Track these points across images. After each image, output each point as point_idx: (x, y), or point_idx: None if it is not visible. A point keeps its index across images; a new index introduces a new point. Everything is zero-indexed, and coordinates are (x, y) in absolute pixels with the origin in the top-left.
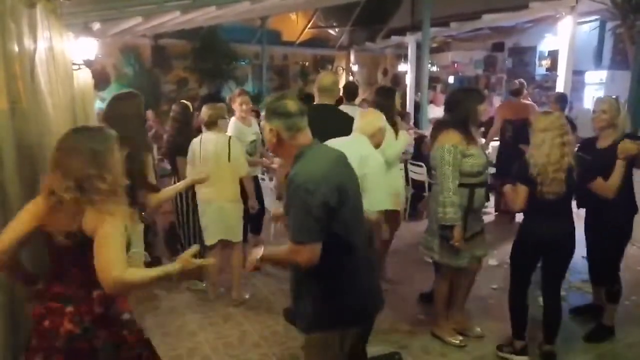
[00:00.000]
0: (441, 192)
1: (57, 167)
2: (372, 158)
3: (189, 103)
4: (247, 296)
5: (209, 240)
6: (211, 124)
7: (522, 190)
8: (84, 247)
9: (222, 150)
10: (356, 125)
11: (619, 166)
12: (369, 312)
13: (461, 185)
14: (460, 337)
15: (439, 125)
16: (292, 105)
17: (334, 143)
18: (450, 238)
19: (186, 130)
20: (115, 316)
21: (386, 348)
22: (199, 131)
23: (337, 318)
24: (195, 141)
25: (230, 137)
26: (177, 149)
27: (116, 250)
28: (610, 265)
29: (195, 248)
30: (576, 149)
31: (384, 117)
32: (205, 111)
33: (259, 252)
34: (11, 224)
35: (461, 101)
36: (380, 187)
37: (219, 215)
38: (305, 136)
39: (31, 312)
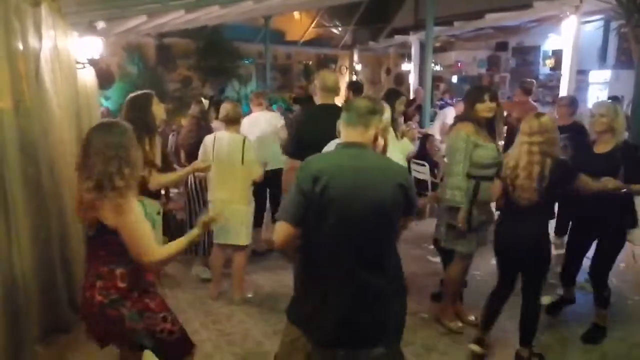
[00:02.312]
0: (451, 175)
1: (81, 168)
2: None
3: (206, 101)
4: (249, 295)
5: (217, 239)
6: (231, 121)
7: (497, 184)
8: (105, 235)
9: (236, 152)
10: None
11: (602, 186)
12: (330, 340)
13: (467, 175)
14: (460, 324)
15: (457, 120)
16: (359, 102)
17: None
18: (455, 220)
19: (205, 125)
20: (138, 288)
21: None
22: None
23: (296, 316)
24: (209, 138)
25: (245, 138)
26: (197, 142)
27: (144, 236)
28: (605, 272)
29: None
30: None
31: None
32: (227, 107)
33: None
34: None
35: (465, 98)
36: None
37: (228, 217)
38: (356, 135)
39: None
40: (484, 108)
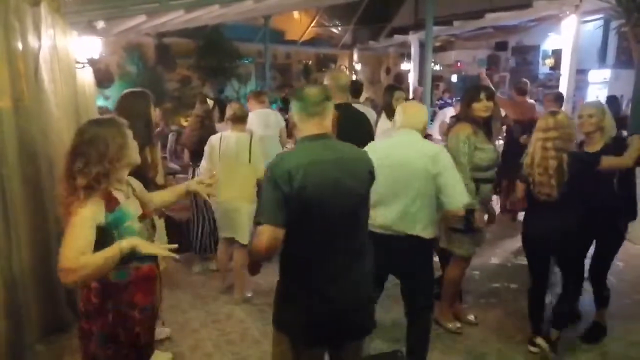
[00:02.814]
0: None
1: (80, 155)
2: (442, 154)
3: (211, 101)
4: (249, 294)
5: (222, 233)
6: (238, 120)
7: (519, 186)
8: None
9: (243, 151)
10: (403, 120)
11: (637, 149)
12: (322, 336)
13: None
14: (458, 324)
15: (455, 119)
16: (309, 90)
17: (389, 145)
18: (473, 222)
19: (209, 124)
20: (115, 309)
21: (387, 345)
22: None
23: (284, 323)
24: (215, 138)
25: (251, 137)
26: (202, 141)
27: (69, 242)
28: (604, 271)
29: (173, 246)
30: None
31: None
32: (233, 106)
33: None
34: None
35: (462, 98)
36: (458, 181)
37: (234, 214)
38: (317, 125)
39: None
40: (481, 107)
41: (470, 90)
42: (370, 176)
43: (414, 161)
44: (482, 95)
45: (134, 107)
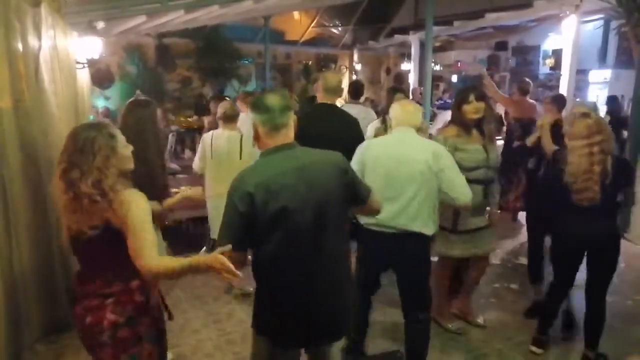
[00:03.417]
0: None
1: (75, 165)
2: (442, 150)
3: (230, 101)
4: (250, 289)
5: (213, 235)
6: (229, 119)
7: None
8: (115, 239)
9: (234, 148)
10: (399, 118)
11: None
12: (298, 339)
13: None
14: (459, 325)
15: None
16: (272, 100)
17: (386, 143)
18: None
19: None
20: (155, 304)
21: (387, 345)
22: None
23: (262, 326)
24: (207, 136)
25: (242, 135)
26: None
27: (144, 237)
28: None
29: (228, 247)
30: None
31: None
32: (224, 105)
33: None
34: None
35: (454, 99)
36: (461, 176)
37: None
38: (283, 136)
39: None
40: (471, 109)
41: (460, 92)
42: (345, 175)
43: (413, 158)
44: (472, 97)
45: (141, 121)
